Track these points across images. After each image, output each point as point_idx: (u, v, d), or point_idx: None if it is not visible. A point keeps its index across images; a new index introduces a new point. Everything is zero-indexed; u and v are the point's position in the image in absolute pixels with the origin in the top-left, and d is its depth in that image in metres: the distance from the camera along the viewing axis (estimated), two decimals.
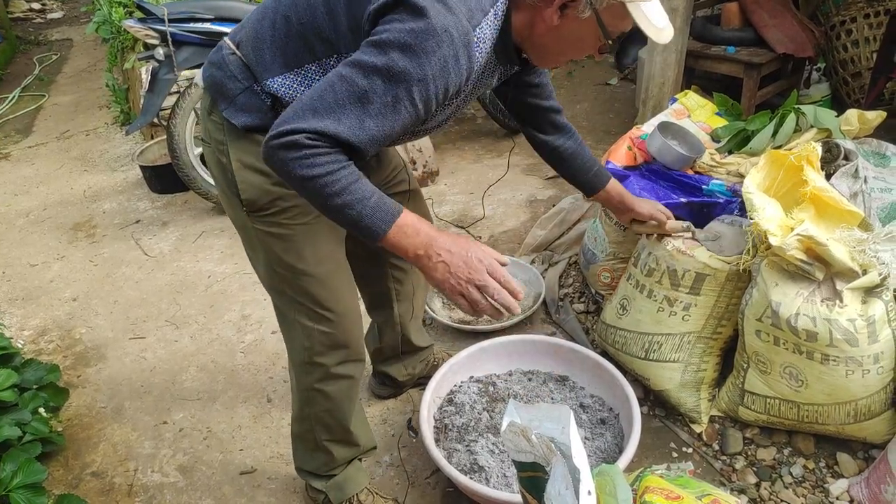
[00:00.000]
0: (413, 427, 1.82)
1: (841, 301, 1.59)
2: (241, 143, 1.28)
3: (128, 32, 4.05)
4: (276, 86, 1.22)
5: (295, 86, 1.22)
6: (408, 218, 1.09)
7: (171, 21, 2.82)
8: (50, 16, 8.03)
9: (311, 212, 1.34)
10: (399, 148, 1.64)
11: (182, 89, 3.09)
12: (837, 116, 2.18)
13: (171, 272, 2.88)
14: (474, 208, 3.19)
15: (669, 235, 1.86)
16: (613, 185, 1.72)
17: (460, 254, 1.08)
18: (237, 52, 1.26)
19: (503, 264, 1.11)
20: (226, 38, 1.31)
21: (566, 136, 1.63)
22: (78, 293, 2.79)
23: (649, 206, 1.79)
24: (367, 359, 2.03)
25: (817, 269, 1.61)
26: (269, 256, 1.38)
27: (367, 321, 1.96)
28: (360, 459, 1.71)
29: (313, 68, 1.21)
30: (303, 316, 1.42)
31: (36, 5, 8.16)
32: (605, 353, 2.02)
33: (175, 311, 2.61)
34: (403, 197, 1.67)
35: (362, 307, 2.45)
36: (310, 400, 1.53)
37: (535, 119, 1.60)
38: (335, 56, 1.18)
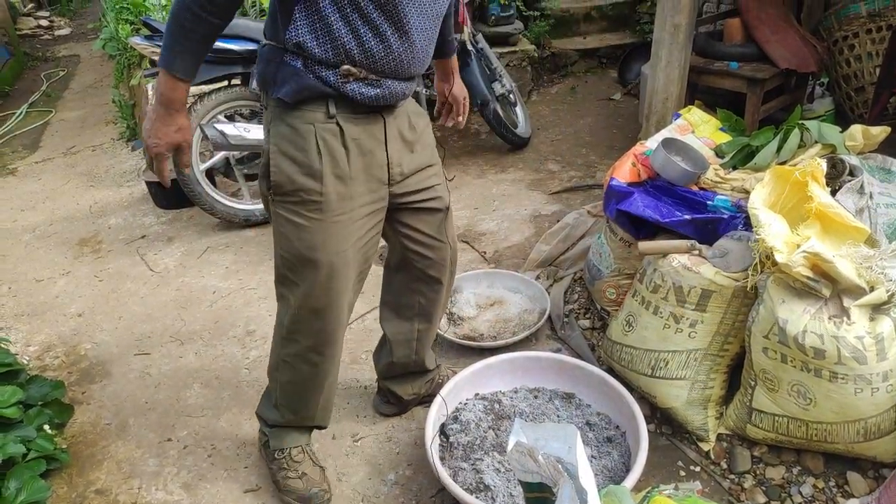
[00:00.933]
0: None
1: (848, 318, 1.58)
2: (281, 129, 1.41)
3: (134, 49, 4.09)
4: (292, 36, 1.33)
5: (303, 27, 1.32)
6: (172, 83, 1.32)
7: None
8: (57, 32, 8.10)
9: (330, 210, 1.44)
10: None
11: (188, 105, 3.11)
12: (842, 132, 2.18)
13: (175, 288, 2.88)
14: (479, 223, 3.20)
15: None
16: (452, 61, 1.83)
17: (153, 129, 1.36)
18: (266, 41, 1.41)
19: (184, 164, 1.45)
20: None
21: None
22: (83, 309, 2.79)
23: (458, 88, 1.87)
24: (374, 374, 2.04)
25: (824, 286, 1.60)
26: (280, 240, 1.50)
27: (377, 334, 1.96)
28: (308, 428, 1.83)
29: (301, 0, 1.31)
30: (294, 297, 1.54)
31: (44, 22, 8.24)
32: (611, 370, 2.02)
33: (180, 327, 2.61)
34: (438, 215, 1.67)
35: (372, 317, 2.48)
36: (279, 367, 1.69)
37: None
38: None
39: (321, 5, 1.29)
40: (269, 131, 1.44)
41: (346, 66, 1.34)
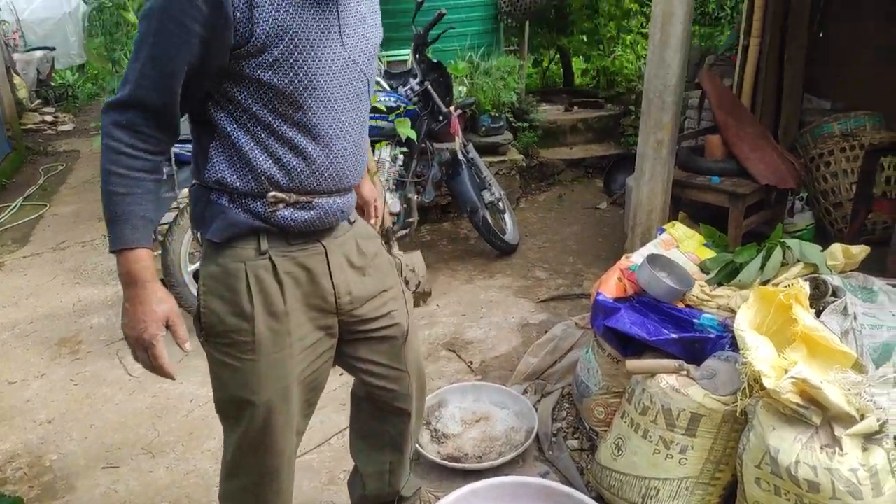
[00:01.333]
0: None
1: (841, 448, 1.54)
2: (211, 268, 1.35)
3: None
4: (211, 174, 1.30)
5: (220, 163, 1.29)
6: (131, 256, 1.20)
7: (176, 141, 2.92)
8: (61, 128, 8.33)
9: (263, 350, 1.37)
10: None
11: (181, 207, 3.15)
12: (823, 249, 2.22)
13: (152, 394, 2.80)
14: (466, 330, 3.17)
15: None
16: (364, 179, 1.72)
17: (132, 316, 1.23)
18: (194, 180, 1.38)
19: (182, 342, 1.29)
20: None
21: None
22: (54, 415, 2.69)
23: (367, 191, 1.73)
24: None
25: (814, 413, 1.57)
26: (214, 381, 1.43)
27: (349, 463, 1.88)
28: None
29: (214, 137, 1.29)
30: (234, 434, 1.45)
31: (49, 117, 8.49)
32: (600, 497, 1.93)
33: (153, 438, 2.51)
34: (395, 343, 1.57)
35: (337, 443, 2.38)
36: (226, 498, 1.58)
37: None
38: (210, 103, 1.27)
39: (234, 137, 1.26)
40: (200, 271, 1.38)
41: (272, 193, 1.29)
